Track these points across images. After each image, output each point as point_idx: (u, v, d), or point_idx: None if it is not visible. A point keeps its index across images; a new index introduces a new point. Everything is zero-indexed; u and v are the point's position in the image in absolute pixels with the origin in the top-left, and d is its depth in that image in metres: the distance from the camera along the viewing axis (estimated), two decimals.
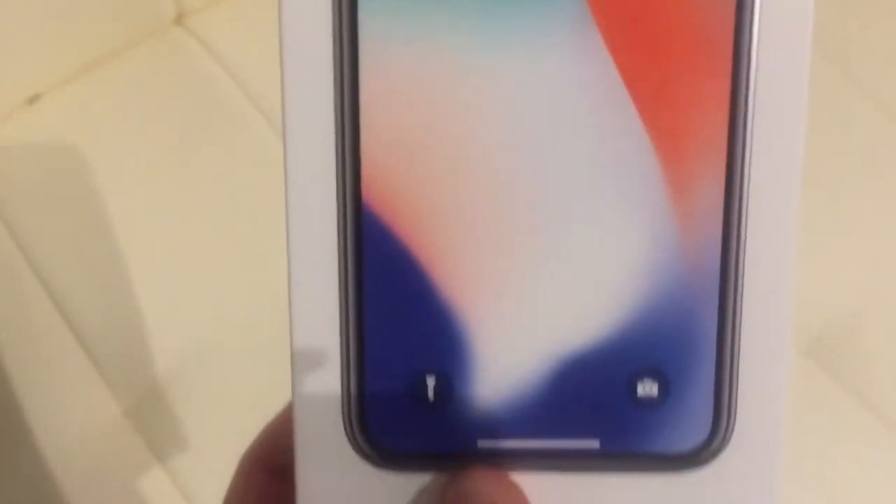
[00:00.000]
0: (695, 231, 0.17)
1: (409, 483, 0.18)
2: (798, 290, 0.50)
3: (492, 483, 0.17)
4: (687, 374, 0.18)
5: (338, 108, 0.18)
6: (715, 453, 0.18)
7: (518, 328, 0.18)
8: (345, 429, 0.18)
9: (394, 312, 0.18)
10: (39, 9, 0.55)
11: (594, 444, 0.18)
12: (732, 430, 0.18)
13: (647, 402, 0.18)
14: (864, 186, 0.57)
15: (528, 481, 0.18)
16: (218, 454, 0.49)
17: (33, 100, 0.58)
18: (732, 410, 0.18)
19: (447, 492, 0.17)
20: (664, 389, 0.18)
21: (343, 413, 0.18)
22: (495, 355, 0.18)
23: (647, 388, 0.18)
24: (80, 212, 0.56)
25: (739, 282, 0.17)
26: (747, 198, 0.17)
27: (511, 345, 0.18)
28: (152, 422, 0.51)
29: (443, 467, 0.18)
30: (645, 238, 0.17)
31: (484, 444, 0.18)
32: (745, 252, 0.17)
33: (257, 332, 0.51)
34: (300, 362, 0.18)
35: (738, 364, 0.18)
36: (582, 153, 0.17)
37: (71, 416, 0.51)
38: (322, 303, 0.18)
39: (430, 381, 0.18)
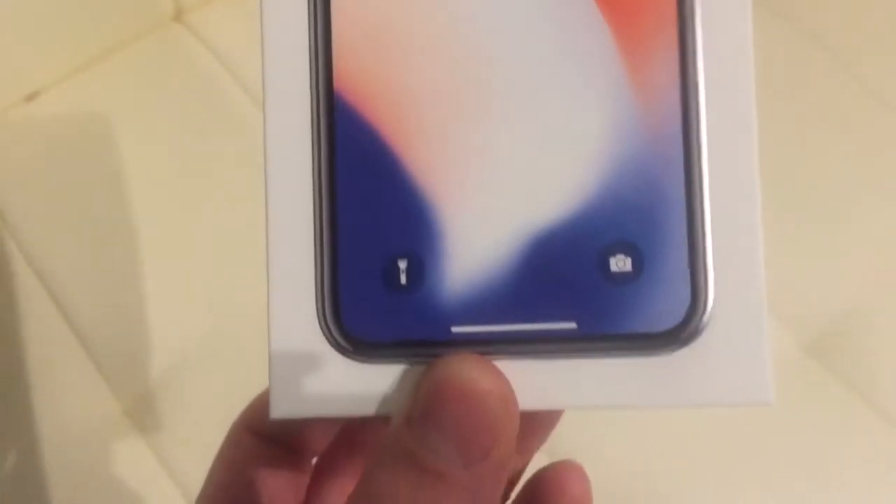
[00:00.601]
0: (654, 101, 0.17)
1: (386, 374, 0.18)
2: (801, 288, 0.49)
3: (470, 365, 0.17)
4: (660, 245, 0.17)
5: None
6: (697, 330, 0.17)
7: (488, 208, 0.17)
8: (319, 321, 0.18)
9: (364, 198, 0.18)
10: (38, 6, 0.55)
11: (571, 325, 0.17)
12: (712, 303, 0.17)
13: (623, 278, 0.17)
14: (867, 183, 0.56)
15: (505, 368, 0.17)
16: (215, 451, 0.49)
17: (32, 97, 0.58)
18: (709, 282, 0.17)
19: (424, 378, 0.17)
20: (638, 263, 0.17)
21: (317, 305, 0.18)
22: (466, 236, 0.17)
23: (621, 264, 0.17)
24: (78, 209, 0.55)
25: (702, 147, 0.17)
26: (701, 61, 0.17)
27: (482, 225, 0.17)
28: (152, 420, 0.50)
29: (418, 356, 0.18)
30: (606, 113, 0.17)
31: (458, 330, 0.17)
32: (704, 115, 0.17)
33: (259, 329, 0.51)
34: (274, 255, 0.18)
35: (709, 230, 0.17)
36: (541, 35, 0.17)
37: (70, 415, 0.50)
38: (296, 193, 0.18)
39: (402, 265, 0.17)
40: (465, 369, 0.16)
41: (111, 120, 0.57)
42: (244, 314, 0.52)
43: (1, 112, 0.57)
